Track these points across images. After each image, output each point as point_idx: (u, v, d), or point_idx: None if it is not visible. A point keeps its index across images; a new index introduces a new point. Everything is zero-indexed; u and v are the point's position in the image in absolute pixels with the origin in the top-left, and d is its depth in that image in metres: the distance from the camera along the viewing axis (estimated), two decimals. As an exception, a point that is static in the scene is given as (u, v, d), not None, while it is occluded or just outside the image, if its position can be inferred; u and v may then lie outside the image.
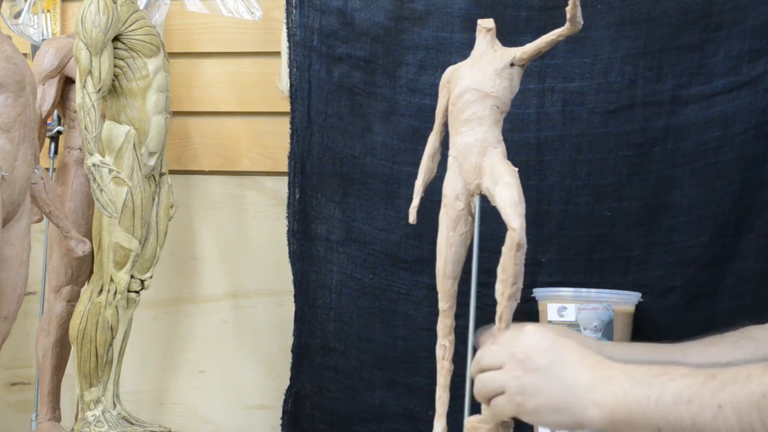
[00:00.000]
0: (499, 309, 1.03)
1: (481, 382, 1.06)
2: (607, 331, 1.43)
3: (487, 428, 1.08)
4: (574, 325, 1.43)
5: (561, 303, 1.44)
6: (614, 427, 1.00)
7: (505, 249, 0.99)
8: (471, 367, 1.11)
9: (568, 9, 1.04)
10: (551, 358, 1.04)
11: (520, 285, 0.99)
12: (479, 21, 1.18)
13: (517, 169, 1.07)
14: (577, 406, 1.01)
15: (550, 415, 1.03)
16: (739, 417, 0.91)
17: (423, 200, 1.28)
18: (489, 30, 1.17)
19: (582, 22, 1.05)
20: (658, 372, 0.99)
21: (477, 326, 1.18)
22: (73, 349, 1.57)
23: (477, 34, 1.19)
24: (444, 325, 1.23)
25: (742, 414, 0.91)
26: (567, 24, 1.06)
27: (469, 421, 1.08)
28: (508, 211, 1.00)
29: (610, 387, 1.00)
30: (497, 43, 1.18)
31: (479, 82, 1.13)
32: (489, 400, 1.06)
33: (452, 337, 1.23)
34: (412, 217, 1.25)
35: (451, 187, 1.16)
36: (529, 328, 1.06)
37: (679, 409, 0.95)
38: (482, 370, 1.07)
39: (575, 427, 1.03)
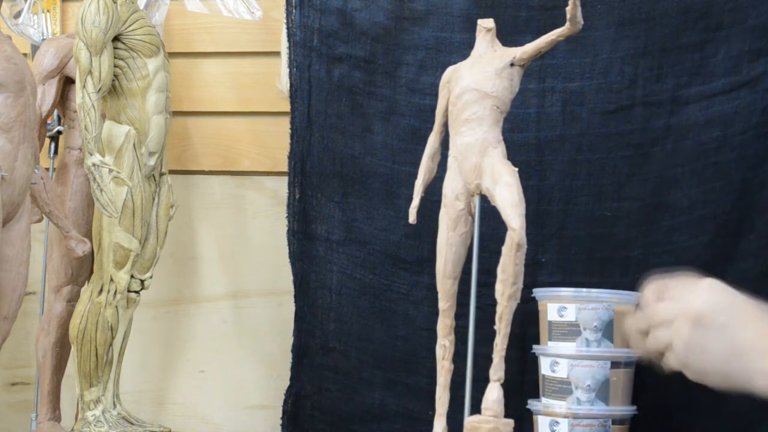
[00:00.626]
0: (499, 309, 1.03)
1: (654, 338, 1.04)
2: (607, 331, 1.43)
3: (488, 428, 1.08)
4: (574, 325, 1.43)
5: (561, 303, 1.44)
6: None
7: (505, 249, 0.99)
8: (636, 322, 1.08)
9: (568, 9, 1.04)
10: (725, 318, 1.01)
11: (520, 285, 1.00)
12: (479, 21, 1.18)
13: (517, 169, 1.07)
14: (745, 373, 0.99)
15: (715, 378, 1.01)
16: None
17: (423, 200, 1.28)
18: (489, 30, 1.17)
19: (582, 22, 1.05)
20: None
21: (477, 326, 1.18)
22: (73, 349, 1.57)
23: (477, 34, 1.19)
24: (444, 325, 1.23)
25: None
26: (567, 24, 1.07)
27: (469, 421, 1.08)
28: (508, 211, 1.00)
29: None
30: (497, 43, 1.18)
31: (479, 82, 1.13)
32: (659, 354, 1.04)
33: (452, 337, 1.23)
34: (412, 217, 1.25)
35: (451, 187, 1.16)
36: (705, 284, 1.04)
37: None
38: (653, 326, 1.05)
39: (740, 391, 1.01)
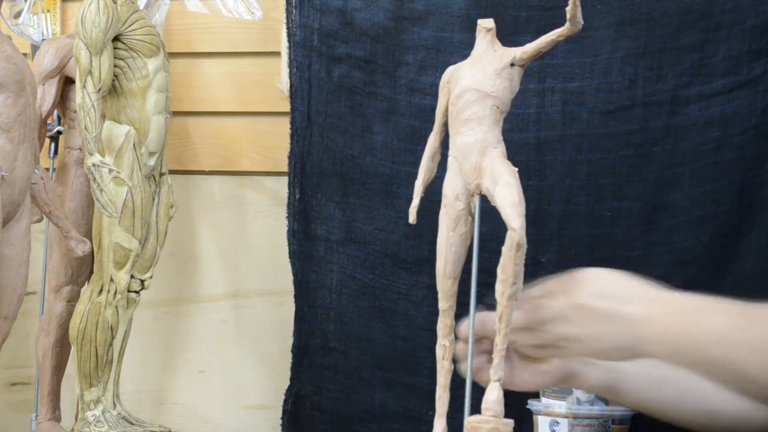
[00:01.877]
0: (499, 309, 1.03)
1: (550, 334, 1.10)
2: (607, 331, 1.43)
3: (488, 428, 1.08)
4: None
5: (561, 303, 1.43)
6: (669, 358, 1.06)
7: (505, 249, 0.99)
8: (519, 320, 1.12)
9: (568, 9, 1.04)
10: (611, 303, 1.08)
11: (520, 285, 0.99)
12: (479, 21, 1.18)
13: (517, 169, 1.07)
14: (637, 343, 1.06)
15: (615, 354, 1.09)
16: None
17: (423, 200, 1.28)
18: (489, 30, 1.17)
19: (582, 22, 1.05)
20: (700, 307, 1.07)
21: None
22: (73, 349, 1.57)
23: (477, 34, 1.19)
24: (444, 325, 1.23)
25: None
26: (567, 24, 1.06)
27: (469, 421, 1.08)
28: (509, 211, 0.99)
29: (664, 321, 1.05)
30: (497, 43, 1.17)
31: (479, 82, 1.12)
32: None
33: (452, 337, 1.23)
34: (412, 217, 1.25)
35: (450, 187, 1.16)
36: (588, 276, 1.10)
37: (718, 345, 1.02)
38: (542, 323, 1.10)
39: (640, 358, 1.09)
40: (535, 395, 1.48)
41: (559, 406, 1.42)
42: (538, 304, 1.13)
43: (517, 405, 1.43)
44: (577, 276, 1.11)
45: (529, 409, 1.47)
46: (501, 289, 1.05)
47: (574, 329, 1.07)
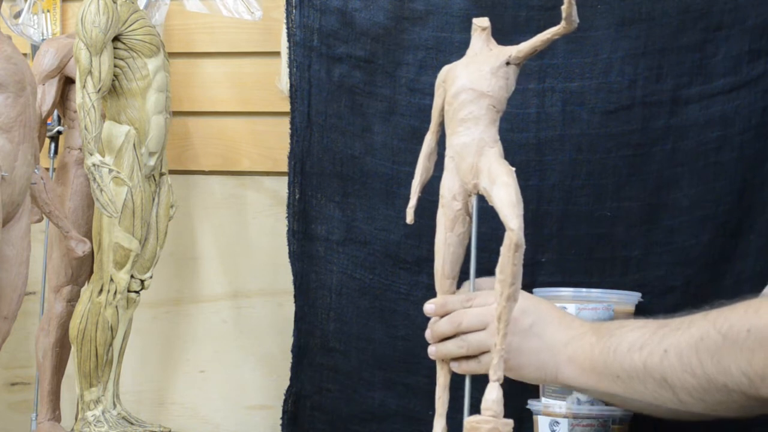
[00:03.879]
0: (497, 309, 1.03)
1: (466, 342, 1.14)
2: (607, 331, 1.43)
3: (487, 428, 1.08)
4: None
5: (561, 303, 1.43)
6: (584, 379, 1.11)
7: (503, 249, 0.99)
8: (441, 324, 1.16)
9: (564, 8, 1.04)
10: (533, 318, 1.14)
11: (519, 285, 0.99)
12: (474, 20, 1.18)
13: (514, 168, 1.07)
14: (554, 363, 1.12)
15: (531, 372, 1.15)
16: (680, 358, 1.02)
17: (423, 200, 1.28)
18: (484, 29, 1.17)
19: (577, 20, 1.05)
20: (620, 325, 1.11)
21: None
22: (73, 349, 1.57)
23: (472, 33, 1.19)
24: (445, 325, 1.23)
25: (683, 356, 1.02)
26: (562, 22, 1.06)
27: (469, 421, 1.08)
28: (506, 211, 0.99)
29: (581, 342, 1.11)
30: (492, 42, 1.17)
31: (475, 82, 1.12)
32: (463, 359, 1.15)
33: (453, 337, 1.23)
34: (410, 218, 1.25)
35: (448, 187, 1.16)
36: None
37: (632, 355, 1.06)
38: (464, 331, 1.15)
39: (554, 383, 1.15)
40: (536, 395, 1.48)
41: (559, 406, 1.42)
42: (462, 312, 1.15)
43: (517, 405, 1.43)
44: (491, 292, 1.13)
45: (529, 409, 1.47)
46: (499, 289, 1.05)
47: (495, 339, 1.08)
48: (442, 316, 1.21)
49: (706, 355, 1.00)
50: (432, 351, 1.21)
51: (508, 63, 1.12)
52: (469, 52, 1.18)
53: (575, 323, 1.15)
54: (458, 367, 1.18)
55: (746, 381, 0.98)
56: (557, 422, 1.42)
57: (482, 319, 1.14)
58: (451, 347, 1.18)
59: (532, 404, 1.47)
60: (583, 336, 1.11)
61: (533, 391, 1.49)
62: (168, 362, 1.87)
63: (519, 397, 1.48)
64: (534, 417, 1.47)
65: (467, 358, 1.18)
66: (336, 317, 1.71)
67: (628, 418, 1.45)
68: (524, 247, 0.97)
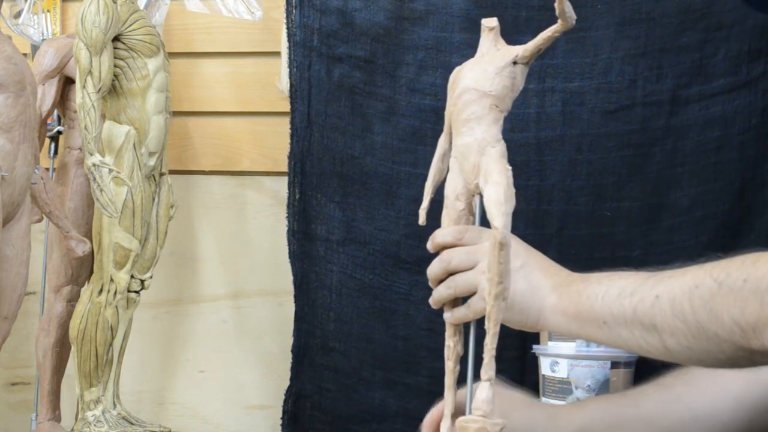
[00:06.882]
0: (487, 308, 1.03)
1: (454, 282, 1.12)
2: (607, 331, 1.43)
3: (476, 427, 1.08)
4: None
5: (561, 303, 1.44)
6: (566, 325, 1.09)
7: (489, 248, 0.99)
8: (433, 265, 1.14)
9: (556, 5, 1.03)
10: (522, 260, 1.12)
11: (507, 284, 0.99)
12: (483, 21, 1.18)
13: (510, 168, 1.07)
14: (537, 308, 1.10)
15: (514, 316, 1.11)
16: (672, 305, 0.99)
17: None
18: (492, 29, 1.17)
19: (574, 16, 1.04)
20: (609, 274, 1.09)
21: (477, 326, 1.18)
22: (73, 349, 1.57)
23: (481, 33, 1.19)
24: (448, 325, 1.23)
25: (675, 302, 0.99)
26: (558, 21, 1.06)
27: (459, 420, 1.08)
28: (492, 209, 0.99)
29: (567, 289, 1.09)
30: (501, 41, 1.17)
31: (478, 81, 1.12)
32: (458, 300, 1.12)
33: (457, 337, 1.23)
34: (422, 219, 1.25)
35: (451, 187, 1.16)
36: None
37: (622, 301, 1.04)
38: (452, 272, 1.12)
39: (536, 327, 1.11)
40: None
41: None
42: (451, 251, 1.14)
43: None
44: (481, 229, 1.12)
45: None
46: (488, 288, 1.05)
47: (483, 278, 1.06)
48: (437, 253, 1.20)
49: (699, 302, 0.98)
50: (432, 301, 1.20)
51: (515, 62, 1.12)
52: (478, 52, 1.18)
53: (563, 272, 1.13)
54: (450, 317, 1.16)
55: (738, 330, 0.96)
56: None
57: (470, 257, 1.12)
58: (442, 290, 1.16)
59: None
60: (571, 283, 1.10)
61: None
62: (168, 362, 1.87)
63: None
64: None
65: (457, 305, 1.17)
66: (336, 317, 1.71)
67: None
68: (510, 245, 0.97)
